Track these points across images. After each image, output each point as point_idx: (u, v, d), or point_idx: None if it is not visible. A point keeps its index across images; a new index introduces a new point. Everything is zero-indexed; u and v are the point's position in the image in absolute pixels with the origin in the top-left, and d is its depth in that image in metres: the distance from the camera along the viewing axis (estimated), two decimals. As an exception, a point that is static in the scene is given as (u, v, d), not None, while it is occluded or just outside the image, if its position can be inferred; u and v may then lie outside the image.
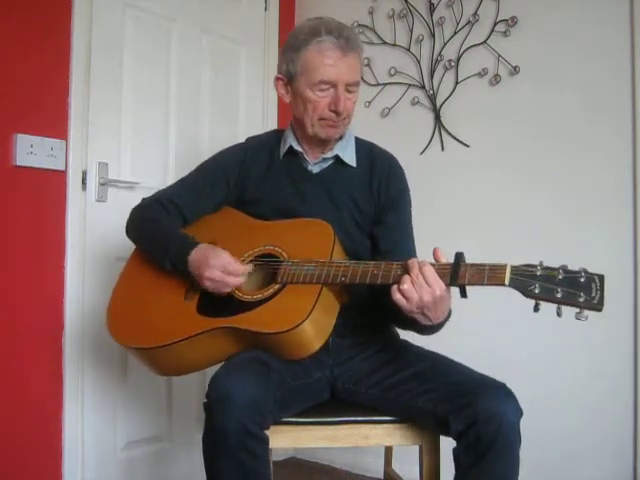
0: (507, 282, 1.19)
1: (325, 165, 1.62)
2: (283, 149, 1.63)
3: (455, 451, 1.32)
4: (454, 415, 1.31)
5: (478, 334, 2.30)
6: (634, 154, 2.09)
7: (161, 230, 1.57)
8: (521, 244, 2.25)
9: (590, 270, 1.16)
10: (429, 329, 1.38)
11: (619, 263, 2.10)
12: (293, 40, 1.53)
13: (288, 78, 1.56)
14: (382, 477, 1.90)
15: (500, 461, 1.27)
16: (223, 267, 1.41)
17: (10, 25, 1.97)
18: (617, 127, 2.12)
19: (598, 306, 1.14)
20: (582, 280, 1.15)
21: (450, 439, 1.35)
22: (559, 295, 1.15)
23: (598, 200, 2.15)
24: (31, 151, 2.01)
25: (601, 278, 1.15)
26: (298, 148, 1.60)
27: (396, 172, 1.64)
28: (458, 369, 1.43)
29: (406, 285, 1.26)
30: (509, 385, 1.35)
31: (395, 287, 1.28)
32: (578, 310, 1.15)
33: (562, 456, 2.17)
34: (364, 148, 1.65)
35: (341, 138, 1.61)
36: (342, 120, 1.53)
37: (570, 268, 1.18)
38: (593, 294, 1.14)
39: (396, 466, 1.81)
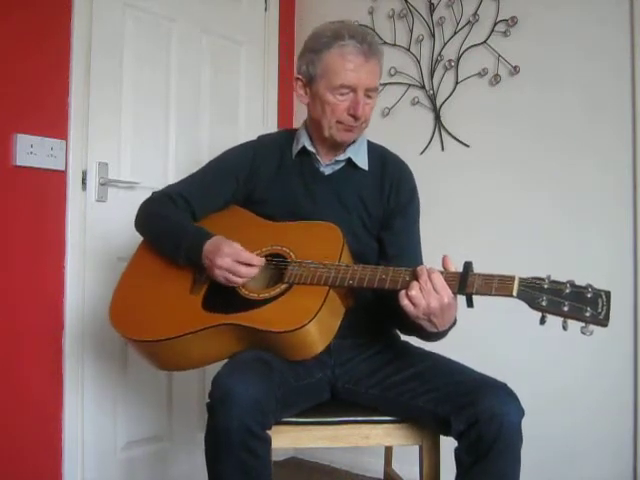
0: (515, 293, 1.21)
1: (337, 167, 1.62)
2: (296, 149, 1.63)
3: (457, 451, 1.33)
4: (455, 415, 1.32)
5: (479, 335, 2.30)
6: (634, 154, 2.09)
7: (171, 224, 1.57)
8: (521, 244, 2.26)
9: (597, 286, 1.18)
10: (434, 336, 1.38)
11: (619, 263, 2.10)
12: (314, 42, 1.53)
13: (307, 79, 1.56)
14: (382, 477, 1.90)
15: (502, 461, 1.27)
16: (235, 255, 1.41)
17: (10, 25, 1.97)
18: (617, 127, 2.12)
19: (604, 321, 1.15)
20: (589, 295, 1.17)
21: (450, 439, 1.35)
22: (566, 309, 1.17)
23: (598, 200, 2.15)
24: (31, 151, 2.01)
25: (607, 294, 1.17)
26: (311, 148, 1.60)
27: (407, 178, 1.64)
28: (459, 369, 1.44)
29: (414, 291, 1.27)
30: (509, 385, 1.35)
31: (403, 293, 1.28)
32: (584, 324, 1.16)
33: (562, 456, 2.17)
34: (376, 152, 1.65)
35: (354, 141, 1.61)
36: (360, 125, 1.54)
37: (577, 283, 1.19)
38: (599, 309, 1.16)
39: (396, 466, 1.81)
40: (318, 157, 1.61)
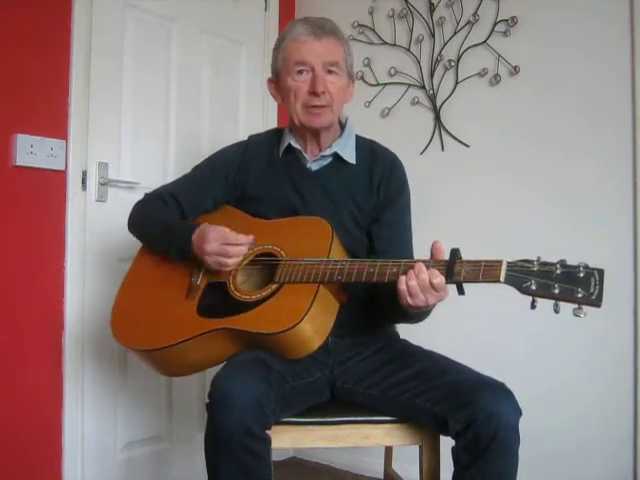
0: (502, 279, 1.18)
1: (324, 163, 1.62)
2: (282, 147, 1.64)
3: (454, 450, 1.33)
4: (452, 414, 1.32)
5: (476, 332, 2.30)
6: (634, 154, 2.08)
7: (163, 221, 1.59)
8: (521, 244, 2.25)
9: (590, 265, 1.15)
10: (422, 315, 1.40)
11: (619, 263, 2.09)
12: (276, 42, 1.60)
13: (276, 77, 1.60)
14: (382, 477, 1.90)
15: (499, 461, 1.27)
16: (222, 238, 1.43)
17: (10, 25, 1.97)
18: (617, 127, 2.12)
19: (597, 302, 1.11)
20: (581, 275, 1.13)
21: (450, 438, 1.35)
22: (556, 291, 1.14)
23: (598, 200, 2.15)
24: (31, 151, 2.01)
25: (600, 272, 1.13)
26: (296, 145, 1.60)
27: (397, 170, 1.64)
28: (457, 368, 1.43)
29: (413, 282, 1.27)
30: (507, 383, 1.35)
31: (403, 279, 1.28)
32: (576, 306, 1.13)
33: (561, 454, 2.16)
34: (364, 146, 1.65)
35: (341, 136, 1.61)
36: (326, 104, 1.52)
37: (569, 263, 1.16)
38: (591, 289, 1.12)
39: (396, 466, 1.81)
40: (304, 153, 1.61)
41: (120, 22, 2.27)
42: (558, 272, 1.15)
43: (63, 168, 2.10)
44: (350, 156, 1.61)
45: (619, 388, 2.09)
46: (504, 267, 1.19)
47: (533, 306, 1.16)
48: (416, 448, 1.50)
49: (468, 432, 1.28)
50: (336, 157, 1.61)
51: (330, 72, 1.53)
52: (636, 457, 2.05)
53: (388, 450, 1.81)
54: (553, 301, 1.15)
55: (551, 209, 2.23)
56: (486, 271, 1.20)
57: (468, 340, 2.26)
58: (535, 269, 1.16)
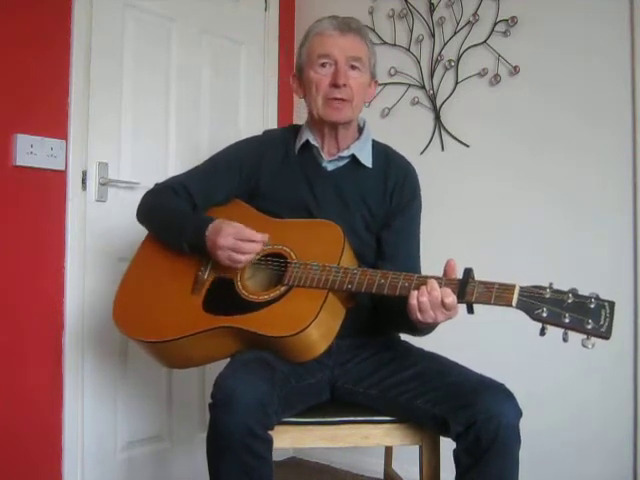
0: (514, 304, 1.18)
1: (340, 164, 1.61)
2: (299, 143, 1.62)
3: (455, 452, 1.33)
4: (453, 416, 1.32)
5: (476, 332, 2.30)
6: (634, 154, 2.08)
7: (174, 213, 1.57)
8: (520, 244, 2.26)
9: (602, 296, 1.15)
10: (428, 329, 1.39)
11: (619, 264, 2.09)
12: (302, 39, 1.61)
13: (299, 72, 1.60)
14: (382, 477, 1.90)
15: (500, 462, 1.27)
16: (237, 233, 1.40)
17: (10, 25, 1.97)
18: (617, 127, 2.12)
19: (606, 334, 1.13)
20: (592, 306, 1.14)
21: (450, 439, 1.35)
22: (566, 320, 1.14)
23: (598, 200, 2.15)
24: (31, 151, 2.01)
25: (611, 305, 1.14)
26: (314, 143, 1.59)
27: (411, 178, 1.64)
28: (457, 370, 1.44)
29: (425, 298, 1.27)
30: (505, 382, 1.35)
31: (414, 296, 1.28)
32: (585, 336, 1.13)
33: (560, 453, 2.17)
34: (380, 151, 1.65)
35: (359, 138, 1.61)
36: (347, 98, 1.52)
37: (580, 293, 1.16)
38: (601, 321, 1.13)
39: (396, 466, 1.81)
40: (321, 152, 1.60)
41: (120, 22, 2.27)
42: (569, 301, 1.15)
43: (63, 168, 2.10)
44: (367, 160, 1.60)
45: (619, 388, 2.09)
46: (517, 292, 1.19)
47: (542, 333, 1.16)
48: (416, 448, 1.50)
49: (469, 434, 1.29)
50: (353, 159, 1.60)
51: (353, 67, 1.53)
52: (636, 457, 2.06)
53: (388, 450, 1.81)
54: (562, 329, 1.15)
55: (551, 209, 2.23)
56: (498, 294, 1.20)
57: (468, 341, 2.26)
58: (547, 296, 1.17)
